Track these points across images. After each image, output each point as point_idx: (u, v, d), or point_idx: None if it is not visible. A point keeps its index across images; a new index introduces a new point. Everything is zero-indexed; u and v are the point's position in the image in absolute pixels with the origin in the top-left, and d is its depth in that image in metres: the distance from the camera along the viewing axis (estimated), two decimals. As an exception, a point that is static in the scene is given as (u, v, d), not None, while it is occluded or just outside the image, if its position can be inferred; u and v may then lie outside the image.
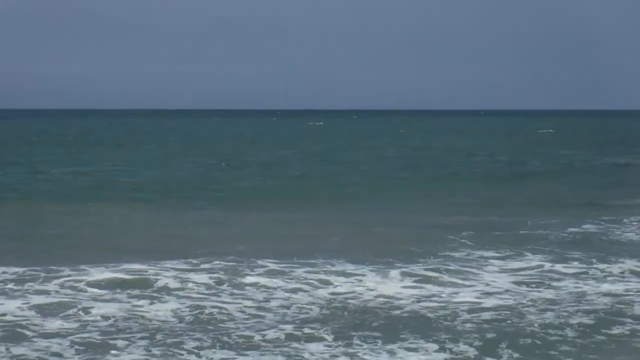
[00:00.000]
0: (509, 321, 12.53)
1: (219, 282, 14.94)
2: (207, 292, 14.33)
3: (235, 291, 14.37)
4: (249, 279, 15.20)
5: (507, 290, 14.47)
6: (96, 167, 41.72)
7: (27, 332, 11.90)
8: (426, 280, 15.33)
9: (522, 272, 16.00)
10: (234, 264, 16.44)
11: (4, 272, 15.46)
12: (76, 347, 11.25)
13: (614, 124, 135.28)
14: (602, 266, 16.52)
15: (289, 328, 12.10)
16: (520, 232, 20.92)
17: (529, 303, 13.62)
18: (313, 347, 11.34)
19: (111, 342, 11.49)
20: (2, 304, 13.33)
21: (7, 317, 12.56)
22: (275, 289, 14.56)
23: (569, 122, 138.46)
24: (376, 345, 11.37)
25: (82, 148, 59.13)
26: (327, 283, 15.00)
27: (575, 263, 16.84)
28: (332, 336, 11.75)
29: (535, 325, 12.27)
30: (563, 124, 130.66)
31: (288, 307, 13.35)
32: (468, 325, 12.33)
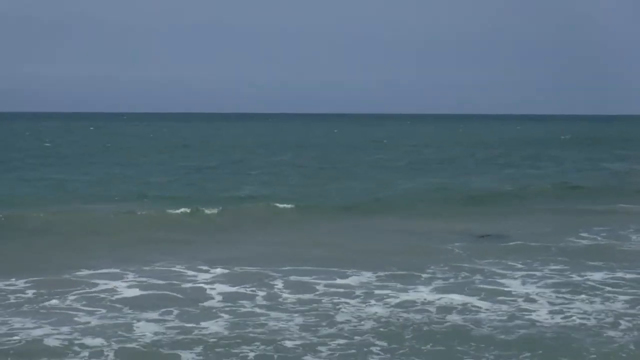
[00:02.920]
0: (577, 333, 12.24)
1: (253, 292, 14.58)
2: (244, 304, 13.85)
3: (269, 301, 13.88)
4: (281, 290, 14.91)
5: (562, 303, 14.09)
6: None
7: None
8: (460, 291, 14.91)
9: (564, 283, 15.67)
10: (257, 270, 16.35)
11: (22, 287, 14.83)
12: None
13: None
14: (632, 274, 16.39)
15: (342, 342, 11.67)
16: (522, 242, 20.64)
17: (595, 314, 13.34)
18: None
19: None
20: (19, 321, 12.63)
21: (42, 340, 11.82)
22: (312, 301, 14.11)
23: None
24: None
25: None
26: (367, 296, 14.64)
27: (605, 272, 16.66)
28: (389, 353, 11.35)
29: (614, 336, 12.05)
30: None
31: (340, 322, 12.86)
32: (536, 337, 12.05)
